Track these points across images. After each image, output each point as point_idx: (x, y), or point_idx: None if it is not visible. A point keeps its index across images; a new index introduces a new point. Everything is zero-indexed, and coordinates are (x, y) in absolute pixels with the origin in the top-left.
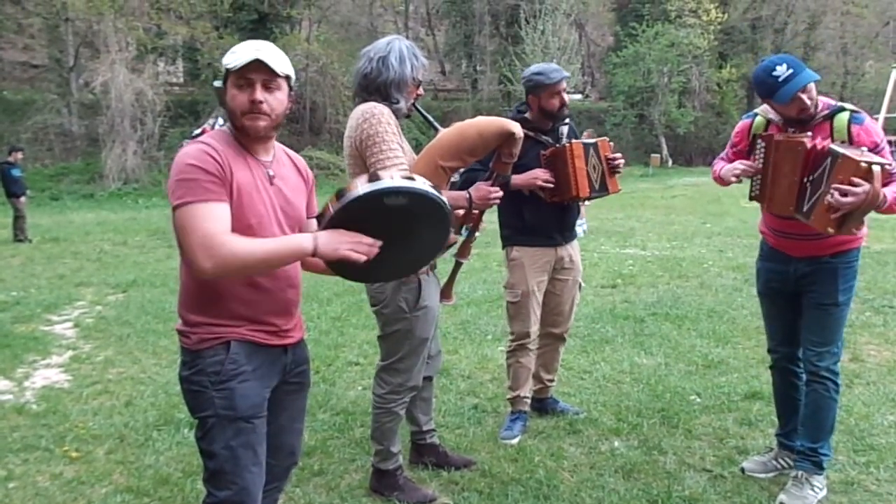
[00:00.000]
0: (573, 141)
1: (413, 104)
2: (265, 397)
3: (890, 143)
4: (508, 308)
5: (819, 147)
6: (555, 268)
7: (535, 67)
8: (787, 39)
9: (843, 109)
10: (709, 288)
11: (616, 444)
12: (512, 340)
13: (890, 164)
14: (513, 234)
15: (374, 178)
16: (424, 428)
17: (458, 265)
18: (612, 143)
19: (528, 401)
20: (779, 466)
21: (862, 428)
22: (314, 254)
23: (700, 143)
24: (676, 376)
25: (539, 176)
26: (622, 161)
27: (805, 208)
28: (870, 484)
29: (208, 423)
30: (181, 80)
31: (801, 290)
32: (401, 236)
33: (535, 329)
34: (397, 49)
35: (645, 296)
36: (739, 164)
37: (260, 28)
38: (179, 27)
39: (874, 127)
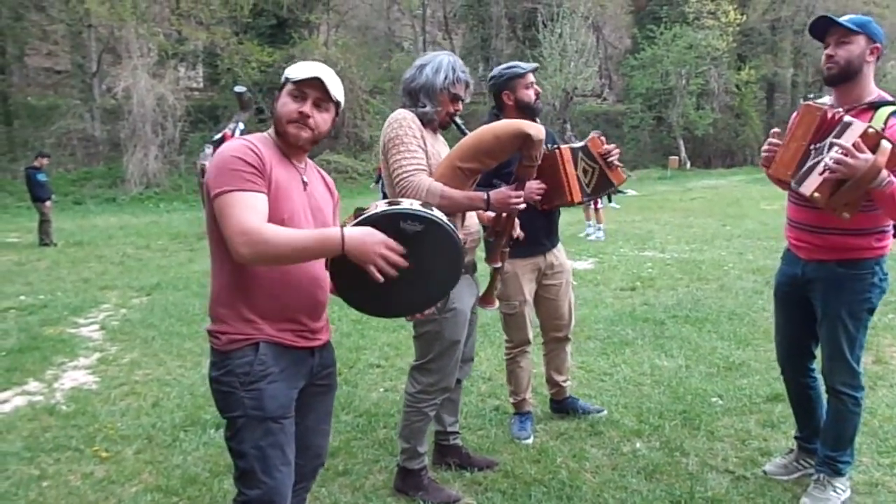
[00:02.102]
0: (562, 147)
1: (451, 117)
2: (293, 398)
3: None
4: (505, 319)
5: (836, 117)
6: (545, 273)
7: (500, 66)
8: (808, 40)
9: (893, 104)
10: (729, 290)
11: (638, 445)
12: (511, 348)
13: None
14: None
15: (393, 202)
16: (449, 429)
17: (495, 271)
18: (602, 138)
19: (532, 401)
20: (800, 468)
21: (886, 430)
22: (343, 247)
23: (719, 146)
24: (697, 378)
25: (533, 189)
26: (617, 152)
27: (800, 173)
28: (894, 485)
29: (238, 424)
30: (201, 85)
31: (810, 298)
32: (414, 265)
33: (532, 334)
34: (438, 61)
35: (664, 298)
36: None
37: (279, 33)
38: (200, 33)
39: None
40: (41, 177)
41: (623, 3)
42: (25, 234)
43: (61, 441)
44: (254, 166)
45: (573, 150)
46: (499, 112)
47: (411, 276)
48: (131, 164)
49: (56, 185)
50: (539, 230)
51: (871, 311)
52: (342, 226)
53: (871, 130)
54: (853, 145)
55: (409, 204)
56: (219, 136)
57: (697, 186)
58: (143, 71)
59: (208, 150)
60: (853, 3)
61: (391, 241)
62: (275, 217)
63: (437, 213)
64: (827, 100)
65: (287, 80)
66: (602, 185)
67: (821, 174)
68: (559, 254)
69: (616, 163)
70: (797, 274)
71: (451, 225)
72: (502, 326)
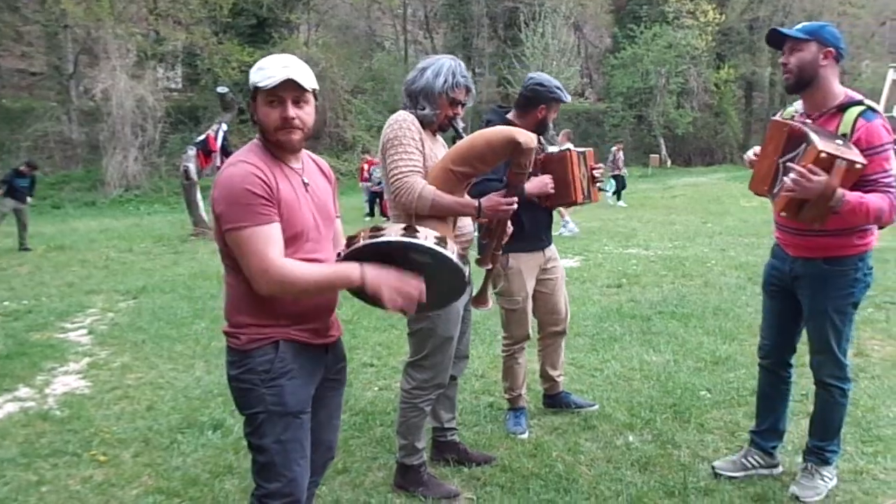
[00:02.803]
0: (571, 149)
1: (450, 120)
2: (311, 394)
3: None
4: (507, 315)
5: (797, 130)
6: (542, 269)
7: (552, 80)
8: None
9: (860, 104)
10: (713, 286)
11: (630, 438)
12: (511, 344)
13: (859, 160)
14: (510, 242)
15: (410, 230)
16: (446, 425)
17: (488, 272)
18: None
19: (527, 396)
20: (748, 465)
21: (868, 420)
22: (361, 286)
23: (699, 144)
24: (686, 373)
25: (547, 183)
26: (601, 172)
27: (775, 189)
28: (878, 473)
29: (258, 419)
30: (180, 85)
31: (796, 293)
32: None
33: (529, 330)
34: (439, 64)
35: (650, 295)
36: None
37: (259, 33)
38: (178, 33)
39: (880, 130)
40: (22, 182)
41: (603, 3)
42: (4, 238)
43: (57, 446)
44: (263, 197)
45: (579, 154)
46: (515, 109)
47: None
48: (111, 167)
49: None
50: (541, 226)
51: (856, 306)
52: (354, 237)
53: (823, 155)
54: (807, 168)
55: (423, 237)
56: (202, 137)
57: (678, 184)
58: (121, 72)
59: (191, 151)
60: (829, 2)
61: (411, 284)
62: (289, 233)
63: (447, 250)
64: (798, 105)
65: (257, 88)
66: (587, 195)
67: (784, 191)
68: (553, 250)
69: (599, 181)
70: (785, 270)
71: (459, 262)
72: (502, 323)
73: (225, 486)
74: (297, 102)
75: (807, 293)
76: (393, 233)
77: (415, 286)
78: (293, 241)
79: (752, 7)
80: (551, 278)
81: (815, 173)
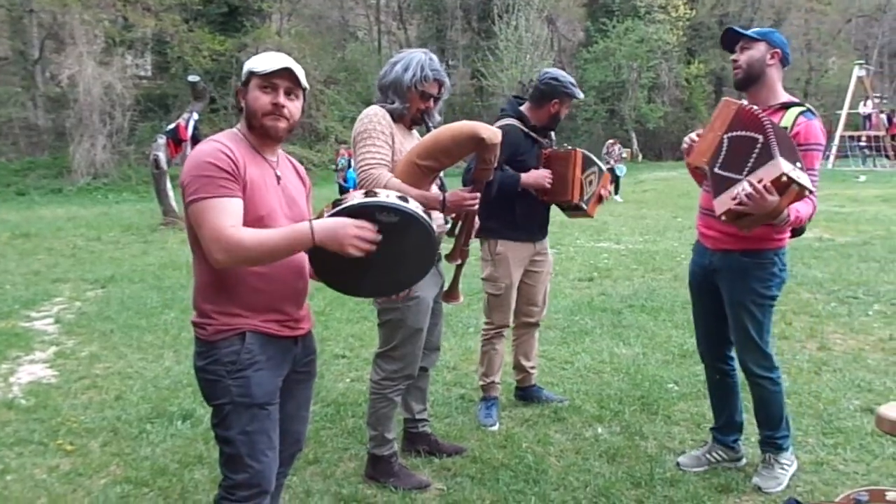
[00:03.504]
0: (578, 149)
1: (423, 114)
2: (278, 385)
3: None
4: (489, 300)
5: (750, 111)
6: (531, 260)
7: (567, 76)
8: None
9: (801, 105)
10: (682, 280)
11: (599, 430)
12: (490, 329)
13: (809, 187)
14: (500, 228)
15: (370, 193)
16: (417, 416)
17: (458, 267)
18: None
19: (500, 387)
20: (712, 460)
21: (830, 412)
22: (313, 240)
23: (669, 138)
24: (654, 365)
25: (546, 176)
26: (607, 196)
27: (716, 168)
28: (838, 464)
29: (224, 410)
30: (150, 73)
31: (719, 286)
32: (387, 254)
33: (511, 318)
34: (409, 58)
35: (621, 288)
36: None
37: (230, 21)
38: (147, 20)
39: (818, 130)
40: None
41: None
42: None
43: (23, 435)
44: (227, 171)
45: (586, 159)
46: (530, 101)
47: (385, 262)
48: (78, 154)
49: None
50: (536, 219)
51: (773, 299)
52: (319, 215)
53: (783, 179)
54: (764, 188)
55: (385, 196)
56: (172, 126)
57: (649, 178)
58: (88, 58)
59: (161, 140)
60: (796, 0)
61: (360, 222)
62: (253, 215)
63: (412, 206)
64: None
65: (252, 73)
66: (586, 202)
67: (733, 199)
68: (544, 244)
69: (602, 199)
70: (706, 263)
71: (425, 217)
72: (483, 307)
73: (194, 475)
74: (289, 94)
75: (726, 286)
76: (355, 198)
77: (368, 226)
78: (257, 223)
79: (722, 3)
80: (537, 271)
81: (770, 193)
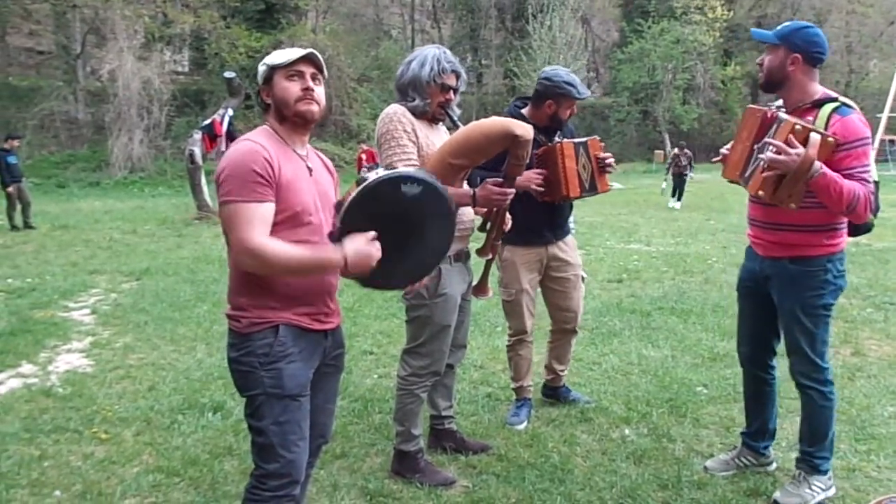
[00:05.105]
0: (563, 140)
1: (444, 108)
2: (309, 377)
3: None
4: (504, 306)
5: (773, 116)
6: (550, 265)
7: (563, 75)
8: None
9: (835, 101)
10: (713, 283)
11: (626, 431)
12: (510, 336)
13: (838, 139)
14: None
15: (391, 167)
16: (444, 413)
17: (488, 262)
18: (602, 143)
19: (531, 388)
20: (740, 465)
21: (863, 418)
22: (345, 268)
23: (703, 140)
24: (683, 368)
25: (532, 179)
26: (612, 160)
27: (747, 173)
28: (871, 470)
29: (257, 401)
30: (187, 69)
31: (770, 293)
32: (410, 232)
33: (530, 324)
34: (424, 54)
35: (651, 290)
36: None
37: (267, 18)
38: (186, 16)
39: (856, 124)
40: (12, 159)
41: None
42: (5, 218)
43: (59, 423)
44: (262, 175)
45: (575, 145)
46: (530, 103)
47: (409, 244)
48: (116, 148)
49: (39, 168)
50: (540, 221)
51: (828, 308)
52: (344, 198)
53: (798, 127)
54: (784, 141)
55: (405, 169)
56: (208, 121)
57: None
58: (128, 53)
59: (197, 135)
60: (837, 1)
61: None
62: (287, 210)
63: (431, 177)
64: (781, 102)
65: (274, 67)
66: (590, 188)
67: (762, 172)
68: (567, 248)
69: (608, 170)
70: (756, 270)
71: (445, 190)
72: (503, 313)
73: (224, 466)
74: (314, 79)
75: (776, 293)
76: (378, 173)
77: (375, 247)
78: (292, 220)
79: (761, 4)
80: (563, 276)
81: (792, 146)
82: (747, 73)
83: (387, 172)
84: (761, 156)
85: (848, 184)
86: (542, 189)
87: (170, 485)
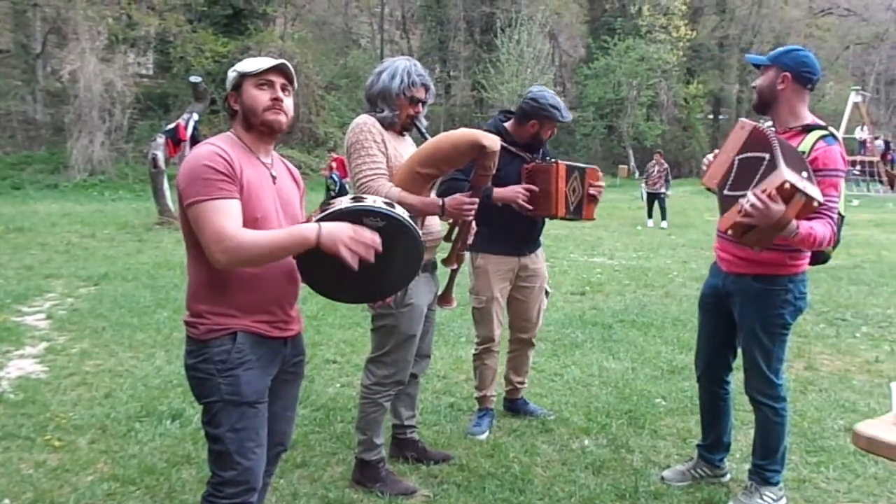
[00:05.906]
0: (560, 162)
1: (412, 119)
2: (267, 385)
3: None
4: (474, 313)
5: (762, 132)
6: (518, 275)
7: (549, 98)
8: None
9: (824, 129)
10: (674, 297)
11: (586, 442)
12: (478, 344)
13: (823, 202)
14: (480, 241)
15: (357, 199)
16: (406, 423)
17: (453, 272)
18: (600, 173)
19: (494, 398)
20: (696, 476)
21: (814, 431)
22: (317, 243)
23: (666, 156)
24: (643, 380)
25: (519, 193)
26: (602, 191)
27: (725, 190)
28: (820, 482)
29: (214, 408)
30: (151, 72)
31: (731, 309)
32: (372, 260)
33: (498, 333)
34: (394, 66)
35: (613, 303)
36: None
37: (234, 23)
38: (151, 18)
39: (837, 156)
40: None
41: (579, 13)
42: None
43: (10, 429)
44: (224, 173)
45: (569, 168)
46: (513, 119)
47: (370, 268)
48: (75, 150)
49: None
50: (518, 234)
51: (786, 327)
52: (307, 220)
53: (786, 186)
54: (769, 196)
55: (371, 201)
56: (172, 126)
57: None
58: (91, 54)
59: (160, 139)
60: (796, 25)
61: (358, 228)
62: (248, 217)
63: (399, 211)
64: (771, 124)
65: (244, 75)
66: (574, 212)
67: (738, 212)
68: (536, 259)
69: (597, 200)
70: (718, 286)
71: (411, 222)
72: (471, 321)
73: (182, 475)
74: (283, 90)
75: (737, 310)
76: (343, 202)
77: (369, 235)
78: (252, 225)
79: (723, 25)
80: (528, 286)
81: (774, 202)
82: (709, 91)
83: (350, 205)
84: (742, 200)
85: (819, 230)
86: (529, 206)
87: (125, 493)
